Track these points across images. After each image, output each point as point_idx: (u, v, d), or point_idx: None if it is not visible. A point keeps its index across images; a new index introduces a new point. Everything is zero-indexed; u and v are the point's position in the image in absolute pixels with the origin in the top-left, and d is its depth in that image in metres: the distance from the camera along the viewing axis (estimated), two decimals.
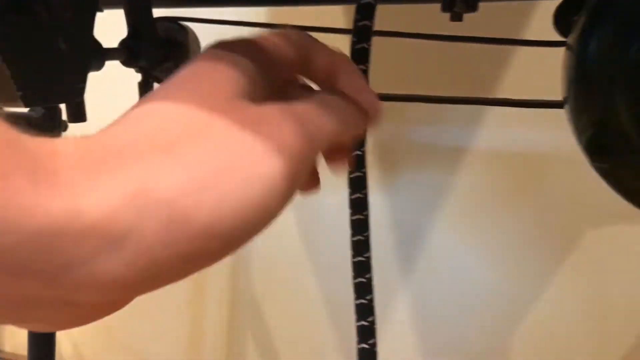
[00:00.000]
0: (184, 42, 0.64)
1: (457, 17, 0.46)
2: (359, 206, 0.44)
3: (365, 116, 0.29)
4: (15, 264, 0.19)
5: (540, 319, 0.88)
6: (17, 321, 0.22)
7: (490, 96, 0.84)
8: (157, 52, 0.61)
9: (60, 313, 0.22)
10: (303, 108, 0.26)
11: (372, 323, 0.45)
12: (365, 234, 0.44)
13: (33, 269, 0.20)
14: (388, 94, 0.75)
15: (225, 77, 0.25)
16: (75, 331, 1.05)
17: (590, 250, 0.85)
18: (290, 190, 0.24)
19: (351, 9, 0.42)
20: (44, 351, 0.79)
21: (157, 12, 0.64)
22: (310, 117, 0.25)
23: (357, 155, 0.44)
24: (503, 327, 0.90)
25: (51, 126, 0.62)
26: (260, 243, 1.01)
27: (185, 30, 0.65)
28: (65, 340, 1.13)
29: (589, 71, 0.38)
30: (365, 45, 0.40)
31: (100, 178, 0.21)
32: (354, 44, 0.40)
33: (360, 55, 0.40)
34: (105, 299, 0.22)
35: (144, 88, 0.62)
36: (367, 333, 0.45)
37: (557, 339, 0.88)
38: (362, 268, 0.45)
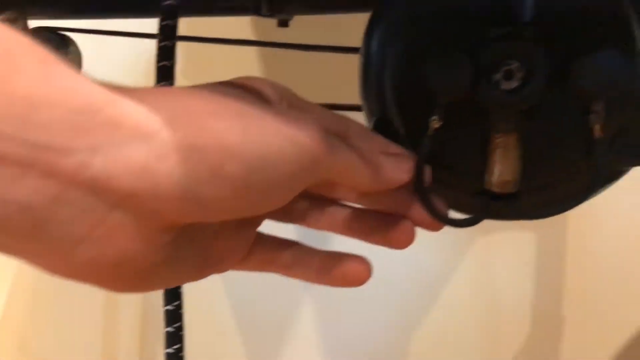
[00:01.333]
0: (62, 52, 0.66)
1: (283, 24, 0.49)
2: None
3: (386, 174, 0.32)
4: (53, 140, 0.21)
5: (438, 319, 0.90)
6: (39, 232, 0.22)
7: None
8: None
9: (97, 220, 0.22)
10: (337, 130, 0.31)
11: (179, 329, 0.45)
12: None
13: (71, 146, 0.21)
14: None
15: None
16: None
17: (482, 255, 0.88)
18: (305, 173, 0.27)
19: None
20: None
21: (39, 22, 0.66)
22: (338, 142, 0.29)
23: None
24: (399, 330, 0.92)
25: None
26: None
27: (66, 40, 0.67)
28: None
29: (370, 63, 0.40)
30: (168, 43, 0.42)
31: (147, 98, 0.24)
32: (159, 42, 0.43)
33: (165, 52, 0.43)
34: (143, 198, 0.22)
35: None
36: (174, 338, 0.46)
37: (452, 340, 0.90)
38: None
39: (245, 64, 0.89)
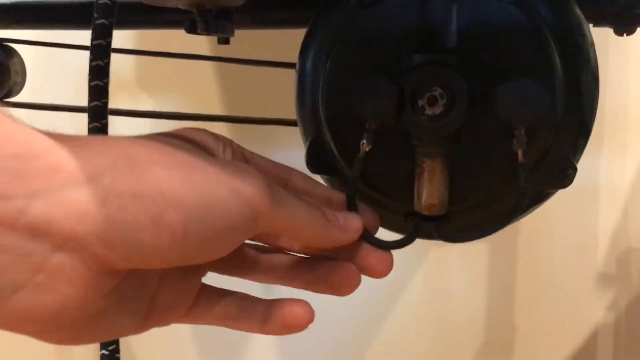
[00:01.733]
0: (5, 63, 0.65)
1: (224, 41, 0.49)
2: None
3: (335, 230, 0.32)
4: None
5: (391, 328, 0.91)
6: None
7: None
8: None
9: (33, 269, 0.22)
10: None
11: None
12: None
13: (8, 192, 0.21)
14: (257, 118, 0.77)
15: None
16: None
17: (435, 265, 0.89)
18: (247, 224, 0.27)
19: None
20: None
21: None
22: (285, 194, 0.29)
23: None
24: (354, 339, 0.92)
25: None
26: None
27: (9, 51, 0.66)
28: None
29: (304, 84, 0.40)
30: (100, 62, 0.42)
31: (90, 145, 0.24)
32: (91, 61, 0.42)
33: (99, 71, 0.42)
34: (83, 242, 0.23)
35: None
36: None
37: (406, 349, 0.90)
38: None
39: (200, 75, 0.89)
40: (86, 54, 0.41)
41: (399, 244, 0.36)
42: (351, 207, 0.36)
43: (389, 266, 0.34)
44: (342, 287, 0.34)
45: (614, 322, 0.87)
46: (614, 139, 0.84)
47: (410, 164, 0.37)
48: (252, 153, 0.34)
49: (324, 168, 0.41)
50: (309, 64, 0.41)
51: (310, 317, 0.33)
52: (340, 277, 0.33)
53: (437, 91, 0.34)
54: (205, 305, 0.32)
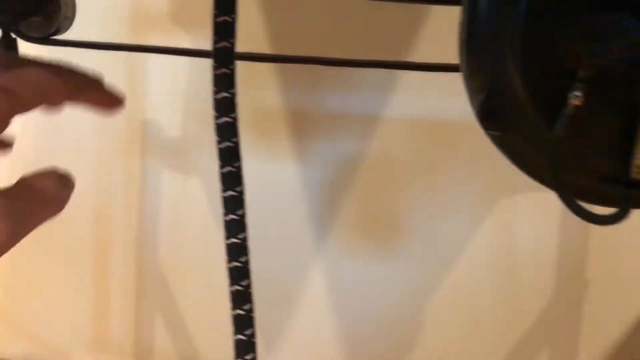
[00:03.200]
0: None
1: None
2: (231, 181, 0.39)
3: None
4: None
5: (456, 283, 0.86)
6: None
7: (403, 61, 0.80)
8: (18, 5, 0.54)
9: None
10: None
11: (250, 311, 0.40)
12: (239, 213, 0.39)
13: None
14: (297, 56, 0.69)
15: None
16: None
17: (503, 217, 0.84)
18: None
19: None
20: None
21: None
22: None
23: (227, 123, 0.39)
24: (416, 295, 0.88)
25: None
26: (167, 218, 0.95)
27: None
28: None
29: (478, 28, 0.33)
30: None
31: None
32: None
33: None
34: None
35: (4, 45, 0.54)
36: (245, 322, 0.41)
37: (471, 305, 0.86)
38: (237, 251, 0.40)
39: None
40: None
41: (615, 219, 0.30)
42: (555, 171, 0.29)
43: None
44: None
45: None
46: None
47: (626, 120, 0.31)
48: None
49: (505, 123, 0.34)
50: (483, 2, 0.33)
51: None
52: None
53: None
54: None
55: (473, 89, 0.35)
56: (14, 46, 0.55)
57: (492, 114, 0.34)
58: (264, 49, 0.85)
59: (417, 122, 0.85)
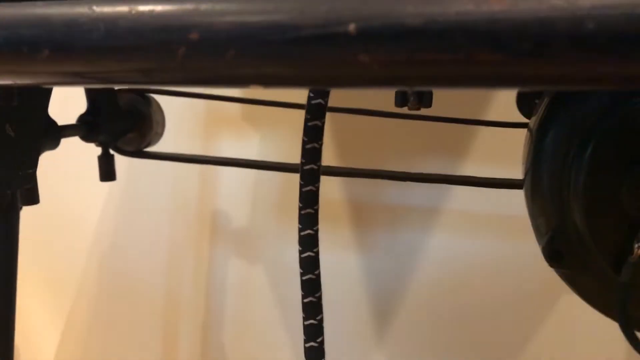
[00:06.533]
0: (147, 113, 0.63)
1: (414, 107, 0.46)
2: (309, 265, 0.43)
3: None
4: None
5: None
6: None
7: (457, 173, 0.84)
8: (117, 125, 0.60)
9: None
10: None
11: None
12: (317, 295, 0.43)
13: None
14: (360, 170, 0.73)
15: None
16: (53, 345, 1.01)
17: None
18: None
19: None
20: None
21: None
22: None
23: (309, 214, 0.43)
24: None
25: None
26: (233, 302, 0.99)
27: (148, 100, 0.64)
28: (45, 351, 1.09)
29: (543, 176, 0.37)
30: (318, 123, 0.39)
31: None
32: (306, 121, 0.39)
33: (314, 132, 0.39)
34: None
35: (104, 161, 0.60)
36: None
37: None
38: (314, 331, 0.43)
39: None
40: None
41: None
42: (623, 314, 0.32)
43: None
44: None
45: None
46: None
47: None
48: None
49: (571, 263, 0.37)
50: (549, 147, 0.37)
51: None
52: None
53: None
54: None
55: (538, 229, 0.38)
56: (110, 159, 0.61)
57: (558, 254, 0.37)
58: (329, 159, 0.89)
59: (476, 214, 0.87)
